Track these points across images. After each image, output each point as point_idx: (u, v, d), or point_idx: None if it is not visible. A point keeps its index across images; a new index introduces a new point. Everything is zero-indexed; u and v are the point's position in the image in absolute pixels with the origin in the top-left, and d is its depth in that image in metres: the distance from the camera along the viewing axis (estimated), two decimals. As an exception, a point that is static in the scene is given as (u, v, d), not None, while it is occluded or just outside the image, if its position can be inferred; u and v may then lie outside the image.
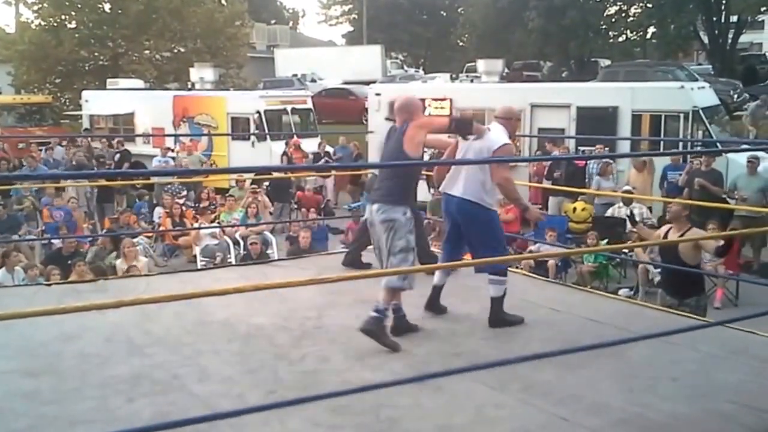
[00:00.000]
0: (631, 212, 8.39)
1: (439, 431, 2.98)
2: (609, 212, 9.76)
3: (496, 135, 4.27)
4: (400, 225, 3.89)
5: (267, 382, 3.44)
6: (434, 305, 4.47)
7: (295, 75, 27.46)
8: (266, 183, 12.10)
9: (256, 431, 2.90)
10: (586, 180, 10.72)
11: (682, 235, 5.25)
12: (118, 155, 14.25)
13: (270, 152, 14.53)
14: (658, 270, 8.15)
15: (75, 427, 3.01)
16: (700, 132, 10.84)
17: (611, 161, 10.39)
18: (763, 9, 22.90)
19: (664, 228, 5.63)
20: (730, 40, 23.95)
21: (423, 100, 13.17)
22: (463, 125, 4.27)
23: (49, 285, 5.73)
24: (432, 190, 8.40)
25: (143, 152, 15.50)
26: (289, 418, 2.97)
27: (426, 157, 5.63)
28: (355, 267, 5.36)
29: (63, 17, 25.13)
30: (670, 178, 10.21)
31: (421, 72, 34.61)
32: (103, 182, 11.02)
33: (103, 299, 4.52)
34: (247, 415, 2.72)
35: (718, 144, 10.21)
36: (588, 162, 10.69)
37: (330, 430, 2.96)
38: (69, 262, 8.14)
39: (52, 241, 9.54)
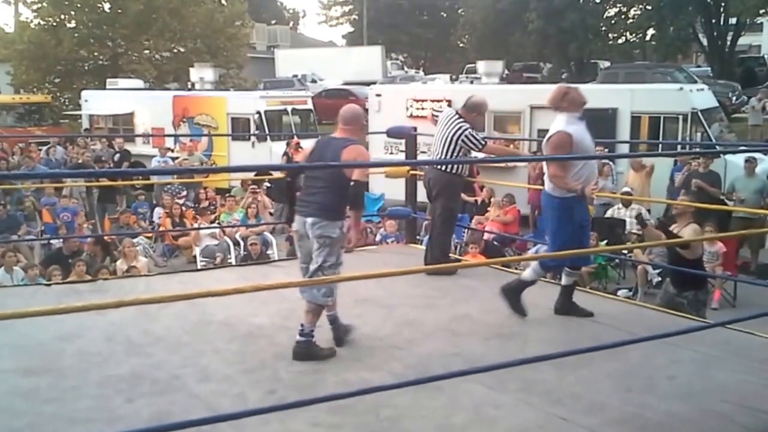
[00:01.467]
0: (640, 213, 8.40)
1: (439, 431, 3.00)
2: (608, 213, 9.77)
3: (554, 125, 4.20)
4: (336, 242, 3.72)
5: (267, 381, 3.45)
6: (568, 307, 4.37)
7: (296, 75, 27.49)
8: (266, 183, 12.10)
9: (255, 430, 2.91)
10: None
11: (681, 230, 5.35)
12: (117, 155, 14.26)
13: (270, 153, 14.53)
14: (657, 271, 8.19)
15: (74, 425, 3.02)
16: (699, 134, 10.86)
17: (608, 162, 10.41)
18: (761, 11, 22.90)
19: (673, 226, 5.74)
20: (728, 43, 23.98)
21: (423, 101, 13.25)
22: None
23: (49, 285, 5.74)
24: None
25: (143, 152, 15.50)
26: (289, 418, 2.98)
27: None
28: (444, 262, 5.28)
29: (62, 17, 25.13)
30: (677, 179, 10.19)
31: (422, 73, 34.68)
32: (105, 182, 11.02)
33: (103, 299, 4.53)
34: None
35: (716, 146, 10.23)
36: None
37: (330, 429, 2.97)
38: (70, 261, 8.14)
39: (52, 241, 9.54)
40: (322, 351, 3.75)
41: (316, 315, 3.76)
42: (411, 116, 12.85)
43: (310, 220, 3.72)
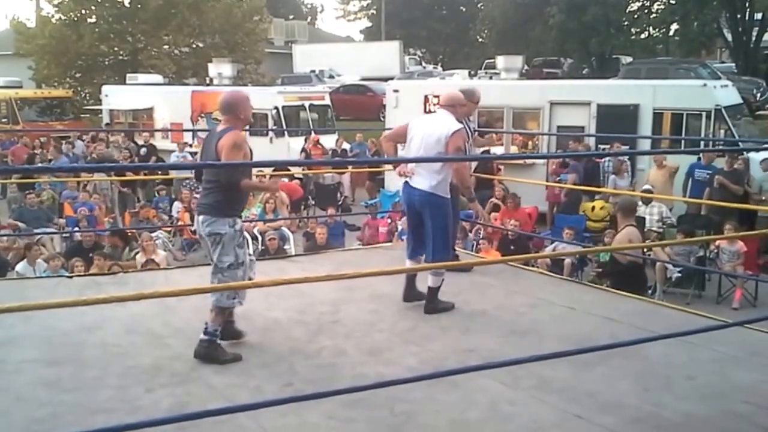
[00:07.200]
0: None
1: (453, 426, 3.00)
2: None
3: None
4: (228, 239, 3.63)
5: (283, 374, 3.49)
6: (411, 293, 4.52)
7: (313, 71, 27.53)
8: (284, 179, 12.16)
9: (272, 422, 2.94)
10: (602, 178, 10.64)
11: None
12: (144, 149, 14.41)
13: (288, 148, 14.59)
14: (678, 269, 8.10)
15: (95, 415, 3.07)
16: (722, 131, 10.70)
17: (625, 159, 10.29)
18: (788, 7, 22.46)
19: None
20: (753, 38, 23.56)
21: (438, 96, 13.19)
22: None
23: (71, 277, 5.83)
24: None
25: (162, 147, 15.65)
26: (305, 411, 3.00)
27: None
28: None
29: (83, 12, 25.45)
30: (697, 176, 10.02)
31: (440, 68, 34.48)
32: (125, 176, 11.15)
33: (124, 292, 4.60)
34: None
35: (739, 143, 10.06)
36: (602, 160, 10.60)
37: (345, 423, 2.99)
38: (90, 255, 8.23)
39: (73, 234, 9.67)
40: (224, 354, 3.64)
41: (222, 316, 3.68)
42: (428, 112, 12.81)
43: (201, 218, 3.71)
